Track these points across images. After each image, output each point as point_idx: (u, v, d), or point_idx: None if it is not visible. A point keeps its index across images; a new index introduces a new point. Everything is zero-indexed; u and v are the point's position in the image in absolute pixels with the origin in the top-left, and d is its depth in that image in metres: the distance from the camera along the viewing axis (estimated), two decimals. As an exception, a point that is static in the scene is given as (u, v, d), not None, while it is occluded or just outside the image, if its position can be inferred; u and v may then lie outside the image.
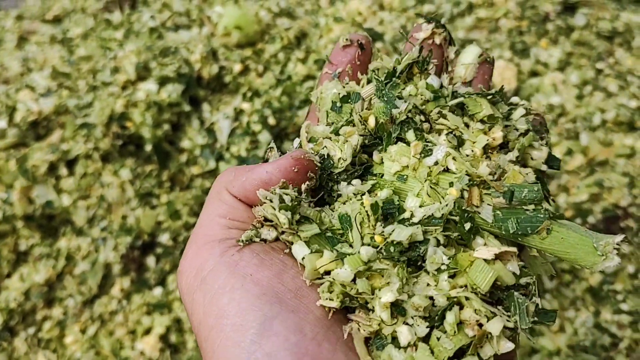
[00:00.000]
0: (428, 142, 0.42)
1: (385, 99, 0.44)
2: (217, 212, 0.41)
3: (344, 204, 0.42)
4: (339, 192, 0.43)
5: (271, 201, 0.39)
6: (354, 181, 0.43)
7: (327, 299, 0.38)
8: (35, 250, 1.22)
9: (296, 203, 0.40)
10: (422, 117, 0.44)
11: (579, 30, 1.44)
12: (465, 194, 0.40)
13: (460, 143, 0.43)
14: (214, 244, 0.39)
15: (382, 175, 0.43)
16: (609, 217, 1.11)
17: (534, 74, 1.33)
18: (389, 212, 0.41)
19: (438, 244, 0.40)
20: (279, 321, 0.34)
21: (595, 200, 1.13)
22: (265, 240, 0.40)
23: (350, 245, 0.40)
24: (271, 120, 1.20)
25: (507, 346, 0.38)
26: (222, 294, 0.36)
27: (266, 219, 0.41)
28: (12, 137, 1.24)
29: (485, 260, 0.38)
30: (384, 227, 0.39)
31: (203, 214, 0.41)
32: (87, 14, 1.61)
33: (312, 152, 0.43)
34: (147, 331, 1.17)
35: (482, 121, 0.44)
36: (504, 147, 0.45)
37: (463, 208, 0.39)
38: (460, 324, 0.38)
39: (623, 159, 1.22)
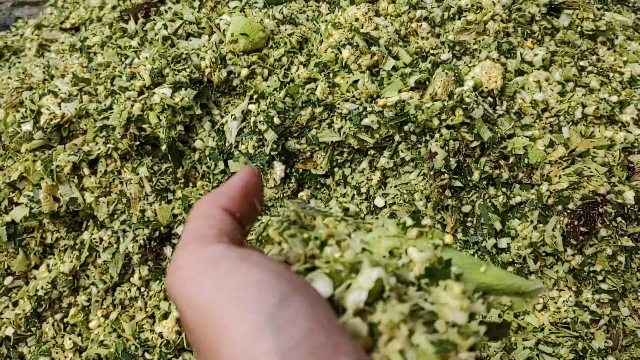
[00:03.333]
0: None
1: None
2: (208, 222, 0.41)
3: None
4: None
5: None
6: None
7: None
8: (60, 243, 1.32)
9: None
10: None
11: (563, 30, 1.53)
12: None
13: None
14: (213, 241, 0.39)
15: None
16: (588, 203, 1.20)
17: (519, 72, 1.42)
18: None
19: None
20: (295, 297, 0.34)
21: (575, 188, 1.22)
22: None
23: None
24: (276, 120, 1.29)
25: None
26: (237, 273, 0.35)
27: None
28: (38, 140, 1.33)
29: None
30: None
31: (191, 225, 0.41)
32: (104, 23, 1.71)
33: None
34: (165, 315, 1.26)
35: None
36: None
37: None
38: None
39: (603, 150, 1.31)
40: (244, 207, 0.43)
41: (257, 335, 0.32)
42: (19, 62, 1.74)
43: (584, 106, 1.37)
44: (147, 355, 1.22)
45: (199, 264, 0.37)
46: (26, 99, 1.37)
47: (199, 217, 0.41)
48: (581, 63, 1.49)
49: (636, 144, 1.35)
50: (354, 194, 1.33)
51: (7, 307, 1.28)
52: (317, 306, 0.35)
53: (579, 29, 1.56)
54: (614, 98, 1.43)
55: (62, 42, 1.72)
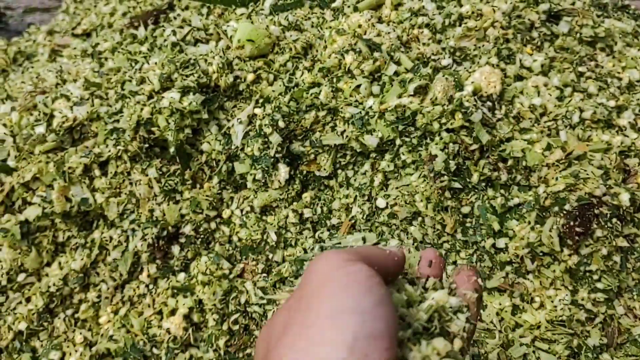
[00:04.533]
0: None
1: None
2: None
3: None
4: None
5: None
6: None
7: None
8: (72, 241, 1.36)
9: None
10: None
11: (562, 37, 1.57)
12: None
13: None
14: (360, 262, 0.46)
15: None
16: (584, 204, 1.23)
17: (518, 77, 1.45)
18: None
19: None
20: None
21: (572, 190, 1.25)
22: None
23: None
24: (281, 124, 1.33)
25: None
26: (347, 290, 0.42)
27: None
28: (51, 142, 1.37)
29: None
30: None
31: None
32: (114, 29, 1.76)
33: None
34: (172, 312, 1.30)
35: None
36: None
37: None
38: None
39: (600, 153, 1.34)
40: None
41: (349, 316, 0.39)
42: (32, 67, 1.79)
43: (581, 110, 1.41)
44: (154, 350, 1.26)
45: (336, 266, 0.44)
46: (39, 102, 1.41)
47: (377, 249, 0.50)
48: (580, 69, 1.53)
49: (633, 148, 1.38)
50: (356, 195, 1.36)
51: (21, 302, 1.32)
52: (395, 320, 0.42)
53: (578, 35, 1.59)
54: (612, 103, 1.47)
55: (74, 48, 1.77)
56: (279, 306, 0.48)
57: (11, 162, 1.38)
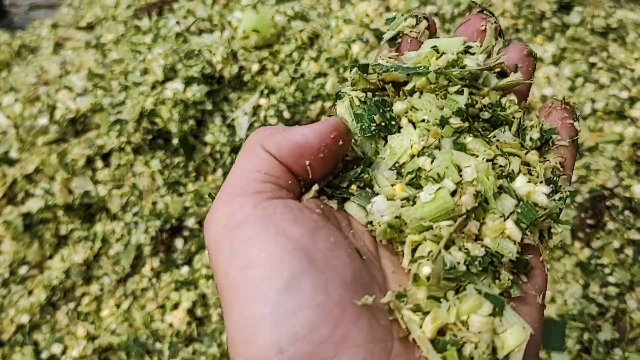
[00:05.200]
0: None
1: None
2: (251, 166, 0.38)
3: None
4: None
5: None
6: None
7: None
8: (74, 234, 1.34)
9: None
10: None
11: (573, 27, 1.54)
12: None
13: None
14: (247, 196, 0.36)
15: None
16: (596, 196, 1.20)
17: (529, 68, 1.43)
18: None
19: None
20: (306, 279, 0.33)
21: (583, 182, 1.23)
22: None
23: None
24: (286, 114, 1.31)
25: None
26: (251, 244, 0.34)
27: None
28: (53, 133, 1.36)
29: None
30: None
31: (236, 168, 0.39)
32: (118, 21, 1.74)
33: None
34: (175, 306, 1.28)
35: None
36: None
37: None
38: None
39: (612, 144, 1.31)
40: (303, 166, 0.39)
41: (258, 327, 0.32)
42: (36, 60, 1.78)
43: (593, 101, 1.38)
44: (157, 344, 1.24)
45: (224, 225, 0.36)
46: (42, 94, 1.40)
47: (242, 164, 0.39)
48: (591, 59, 1.49)
49: (645, 139, 1.35)
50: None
51: (23, 295, 1.30)
52: (332, 286, 0.33)
53: (589, 26, 1.56)
54: (624, 94, 1.43)
55: (78, 40, 1.75)
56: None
57: (14, 154, 1.36)
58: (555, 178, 0.43)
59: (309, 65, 1.40)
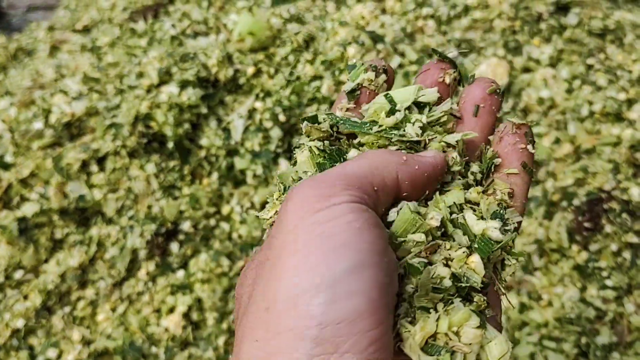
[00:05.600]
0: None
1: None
2: (382, 167, 0.38)
3: None
4: None
5: None
6: None
7: None
8: (69, 238, 1.34)
9: None
10: None
11: (571, 29, 1.53)
12: None
13: None
14: (356, 190, 0.36)
15: None
16: (593, 199, 1.19)
17: (526, 70, 1.42)
18: None
19: None
20: (371, 271, 0.33)
21: (580, 185, 1.22)
22: None
23: None
24: (281, 118, 1.30)
25: None
26: (330, 224, 0.34)
27: None
28: (48, 137, 1.36)
29: None
30: None
31: (373, 161, 0.38)
32: (114, 24, 1.73)
33: None
34: (171, 310, 1.27)
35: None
36: None
37: None
38: None
39: (609, 147, 1.30)
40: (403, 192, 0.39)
41: (312, 296, 0.31)
42: (32, 63, 1.78)
43: (590, 103, 1.37)
44: (153, 348, 1.23)
45: (323, 196, 0.34)
46: (38, 98, 1.39)
47: (354, 177, 0.37)
48: (589, 61, 1.49)
49: (643, 142, 1.35)
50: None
51: (18, 300, 1.30)
52: (387, 290, 0.33)
53: (587, 27, 1.55)
54: (622, 96, 1.43)
55: (74, 43, 1.75)
56: (252, 257, 0.39)
57: (9, 158, 1.36)
58: (502, 211, 0.42)
59: (305, 68, 1.40)
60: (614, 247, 1.20)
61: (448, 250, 0.39)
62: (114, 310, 1.30)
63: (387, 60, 1.35)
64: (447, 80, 0.46)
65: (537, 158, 1.28)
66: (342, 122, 0.44)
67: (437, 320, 0.36)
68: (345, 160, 0.43)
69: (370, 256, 0.33)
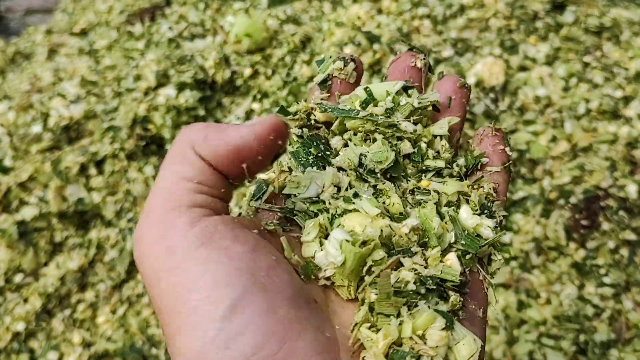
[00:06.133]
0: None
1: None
2: (182, 173, 0.36)
3: None
4: None
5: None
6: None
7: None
8: (69, 241, 1.34)
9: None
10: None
11: (567, 27, 1.53)
12: None
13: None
14: (182, 211, 0.34)
15: None
16: (590, 197, 1.20)
17: (522, 68, 1.42)
18: None
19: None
20: (250, 299, 0.32)
21: (577, 182, 1.22)
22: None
23: None
24: (279, 118, 1.31)
25: None
26: (194, 265, 0.33)
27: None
28: (47, 141, 1.36)
29: None
30: None
31: (165, 174, 0.36)
32: (111, 27, 1.74)
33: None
34: (171, 311, 1.28)
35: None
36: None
37: None
38: None
39: (606, 144, 1.31)
40: (240, 169, 0.37)
41: (205, 353, 0.31)
42: (30, 67, 1.78)
43: (587, 101, 1.37)
44: (153, 350, 1.24)
45: (158, 244, 0.34)
46: (36, 101, 1.40)
47: (173, 172, 0.36)
48: (585, 59, 1.49)
49: (640, 139, 1.35)
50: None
51: (18, 303, 1.30)
52: (276, 304, 0.33)
53: (583, 25, 1.56)
54: (618, 93, 1.43)
55: (71, 46, 1.75)
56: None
57: (8, 162, 1.37)
58: (489, 204, 0.44)
59: (302, 68, 1.40)
60: (611, 244, 1.20)
61: (422, 253, 0.40)
62: (114, 312, 1.31)
63: (383, 61, 1.36)
64: (419, 64, 0.48)
65: (534, 156, 1.29)
66: (330, 109, 0.45)
67: (401, 324, 0.36)
68: (327, 143, 0.45)
69: (242, 284, 0.33)
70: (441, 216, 0.42)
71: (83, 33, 1.86)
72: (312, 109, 0.45)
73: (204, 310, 0.32)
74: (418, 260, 0.39)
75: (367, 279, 0.38)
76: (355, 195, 0.41)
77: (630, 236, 1.21)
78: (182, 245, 0.33)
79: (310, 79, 1.38)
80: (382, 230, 0.38)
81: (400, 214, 0.41)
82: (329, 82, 0.48)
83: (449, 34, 1.43)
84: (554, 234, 1.20)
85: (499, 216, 0.44)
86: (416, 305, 0.37)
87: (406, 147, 0.45)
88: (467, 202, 0.44)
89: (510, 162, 0.48)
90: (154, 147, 1.36)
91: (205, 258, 0.33)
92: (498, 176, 0.46)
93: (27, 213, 1.31)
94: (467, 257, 0.41)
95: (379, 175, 0.43)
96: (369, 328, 0.37)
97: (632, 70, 1.52)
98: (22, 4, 2.60)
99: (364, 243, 0.38)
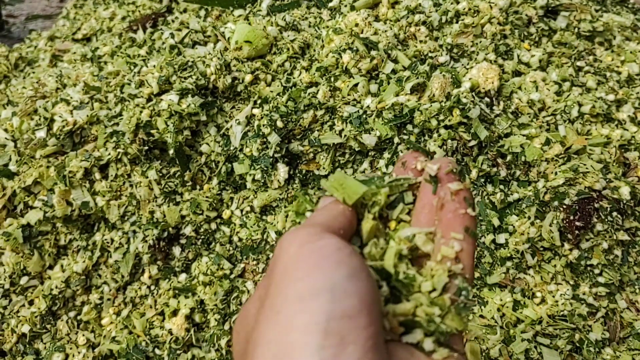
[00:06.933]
0: None
1: None
2: (333, 214, 0.47)
3: None
4: None
5: None
6: None
7: None
8: (73, 244, 1.36)
9: None
10: None
11: (560, 32, 1.56)
12: None
13: None
14: (332, 233, 0.43)
15: None
16: (584, 199, 1.22)
17: (516, 73, 1.45)
18: None
19: None
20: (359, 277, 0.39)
21: (571, 185, 1.25)
22: None
23: None
24: (279, 123, 1.33)
25: None
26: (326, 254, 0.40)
27: None
28: (52, 146, 1.38)
29: None
30: None
31: (323, 211, 0.47)
32: (114, 33, 1.77)
33: None
34: (174, 312, 1.30)
35: None
36: None
37: None
38: None
39: (599, 147, 1.34)
40: None
41: (318, 296, 0.36)
42: (33, 72, 1.81)
43: (580, 105, 1.40)
44: (157, 350, 1.26)
45: (305, 241, 0.40)
46: (40, 107, 1.42)
47: (331, 207, 0.47)
48: (578, 63, 1.52)
49: (632, 141, 1.38)
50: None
51: (24, 305, 1.33)
52: (373, 293, 0.39)
53: (576, 30, 1.59)
54: (611, 97, 1.46)
55: (74, 52, 1.78)
56: (250, 294, 0.47)
57: (12, 167, 1.39)
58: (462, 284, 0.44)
59: (301, 74, 1.43)
60: (605, 244, 1.23)
61: None
62: (118, 314, 1.33)
63: (380, 67, 1.39)
64: (419, 167, 0.51)
65: (529, 159, 1.31)
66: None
67: None
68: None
69: (361, 269, 0.39)
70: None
71: (86, 39, 1.88)
72: None
73: (325, 276, 0.38)
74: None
75: None
76: None
77: (624, 237, 1.24)
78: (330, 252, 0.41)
79: (310, 84, 1.41)
80: None
81: None
82: None
83: (444, 39, 1.46)
84: (548, 234, 1.23)
85: (469, 291, 0.44)
86: None
87: None
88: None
89: (476, 223, 0.47)
90: (156, 151, 1.39)
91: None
92: (462, 243, 0.46)
93: (32, 217, 1.33)
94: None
95: None
96: None
97: (625, 74, 1.55)
98: (23, 9, 2.62)
99: None
